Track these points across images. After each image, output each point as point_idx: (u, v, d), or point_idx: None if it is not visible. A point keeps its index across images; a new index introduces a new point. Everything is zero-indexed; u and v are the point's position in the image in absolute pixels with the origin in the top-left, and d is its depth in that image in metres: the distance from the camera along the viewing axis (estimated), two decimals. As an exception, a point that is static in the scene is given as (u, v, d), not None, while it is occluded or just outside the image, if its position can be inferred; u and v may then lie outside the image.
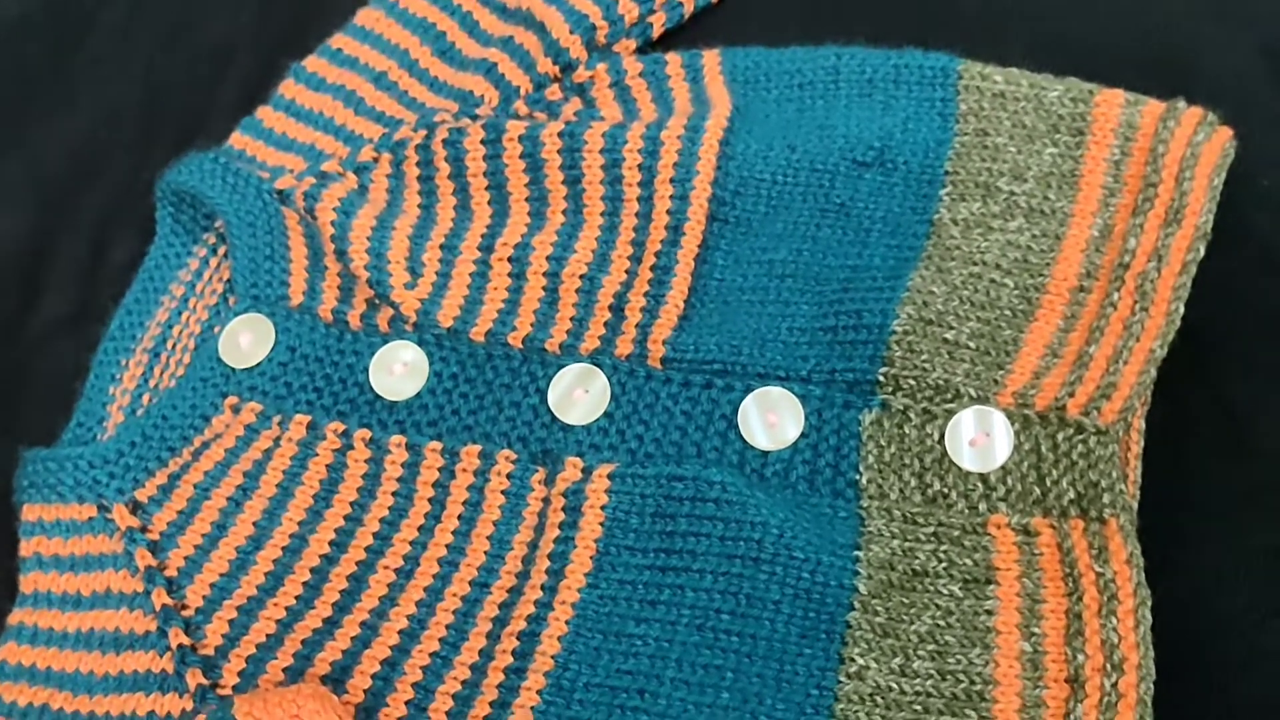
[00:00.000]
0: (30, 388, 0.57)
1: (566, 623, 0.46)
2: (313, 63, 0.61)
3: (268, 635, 0.47)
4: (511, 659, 0.46)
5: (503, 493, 0.50)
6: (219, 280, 0.56)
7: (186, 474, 0.51)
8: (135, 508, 0.50)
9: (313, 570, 0.49)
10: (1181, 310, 0.48)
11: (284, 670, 0.46)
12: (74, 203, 0.61)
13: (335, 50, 0.61)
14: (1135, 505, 0.47)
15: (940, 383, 0.49)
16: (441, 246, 0.55)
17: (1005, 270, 0.51)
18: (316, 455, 0.51)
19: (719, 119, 0.55)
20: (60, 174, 0.62)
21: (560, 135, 0.55)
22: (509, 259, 0.54)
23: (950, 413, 0.48)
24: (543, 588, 0.47)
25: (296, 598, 0.48)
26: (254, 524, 0.50)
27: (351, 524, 0.50)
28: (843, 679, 0.45)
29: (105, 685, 0.47)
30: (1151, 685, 0.42)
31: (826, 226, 0.53)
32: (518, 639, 0.46)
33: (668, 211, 0.53)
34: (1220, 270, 0.50)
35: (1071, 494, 0.46)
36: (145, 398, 0.54)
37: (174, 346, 0.55)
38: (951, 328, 0.50)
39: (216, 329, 0.55)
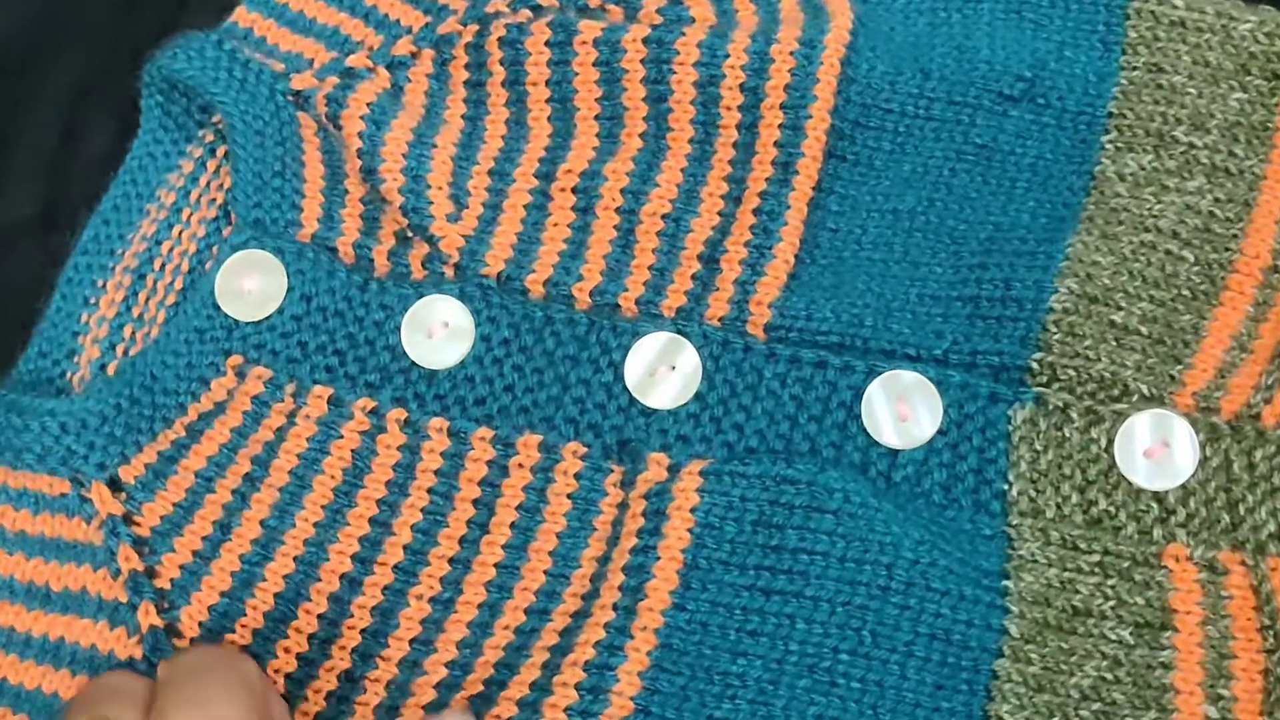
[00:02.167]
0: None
1: (648, 654, 0.38)
2: (336, -71, 0.50)
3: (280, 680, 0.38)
4: (576, 696, 0.37)
5: (569, 497, 0.40)
6: (218, 188, 0.46)
7: (185, 457, 0.41)
8: (117, 487, 0.40)
9: (331, 598, 0.39)
10: (1401, 302, 0.40)
11: None
12: (38, 79, 0.50)
13: (364, -84, 0.50)
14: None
15: (1106, 375, 0.40)
16: (491, 171, 0.45)
17: (1184, 240, 0.42)
18: (340, 438, 0.41)
19: (840, 32, 0.45)
20: (20, 43, 0.51)
21: (645, 42, 0.45)
22: (573, 190, 0.44)
23: (1119, 414, 0.40)
24: (615, 608, 0.38)
25: (311, 637, 0.39)
26: (261, 524, 0.40)
27: (378, 533, 0.40)
28: (987, 743, 0.36)
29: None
30: (1375, 776, 0.35)
31: (964, 172, 0.44)
32: (584, 671, 0.37)
33: (776, 144, 0.44)
34: None
35: (1272, 526, 0.38)
36: (127, 329, 0.44)
37: (163, 268, 0.45)
38: (1120, 308, 0.41)
39: (215, 249, 0.45)
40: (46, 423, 0.40)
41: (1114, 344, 0.41)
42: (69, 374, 0.44)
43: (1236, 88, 0.44)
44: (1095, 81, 0.44)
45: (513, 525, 0.40)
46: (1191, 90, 0.44)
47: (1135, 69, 0.44)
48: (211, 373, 0.42)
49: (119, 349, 0.44)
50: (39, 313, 0.45)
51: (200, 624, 0.39)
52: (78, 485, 0.40)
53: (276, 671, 0.39)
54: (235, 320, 0.43)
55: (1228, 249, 0.42)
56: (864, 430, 0.40)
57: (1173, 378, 0.40)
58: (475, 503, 0.41)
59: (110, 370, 0.44)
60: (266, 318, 0.43)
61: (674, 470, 0.40)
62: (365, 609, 0.39)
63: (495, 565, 0.40)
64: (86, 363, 0.44)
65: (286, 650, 0.39)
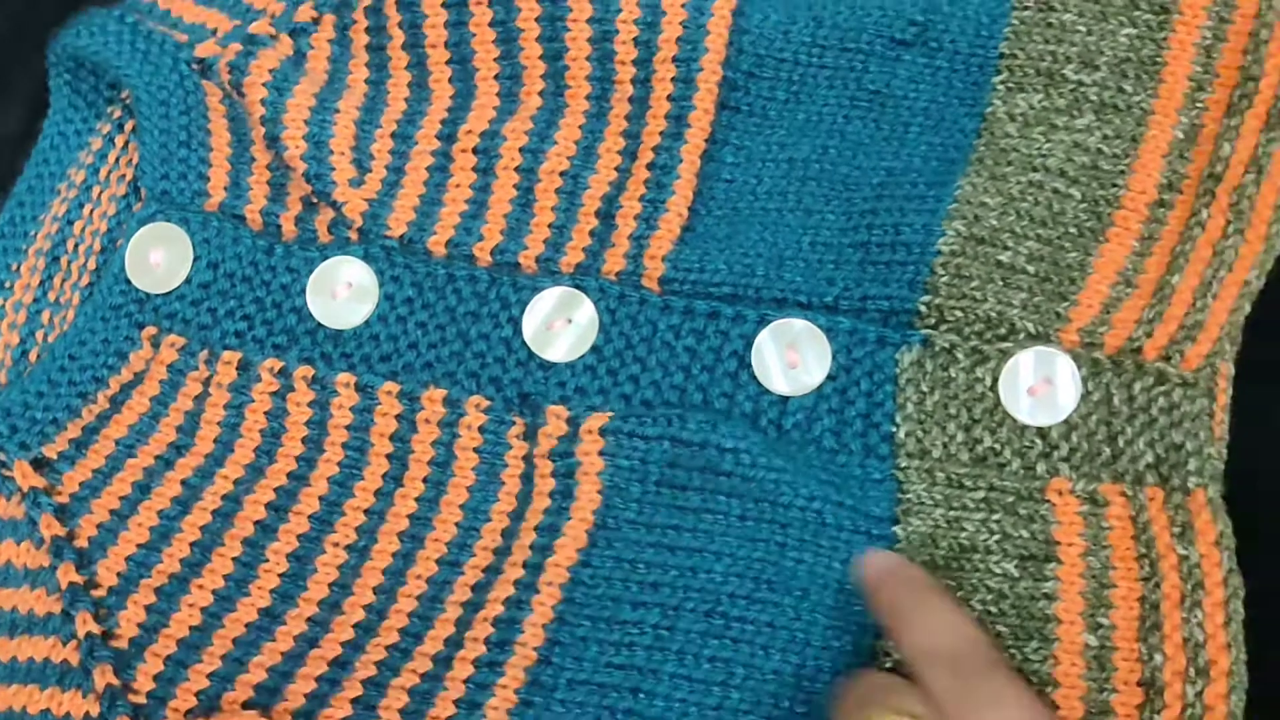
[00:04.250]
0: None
1: (552, 608, 0.39)
2: (236, -104, 0.50)
3: (191, 628, 0.39)
4: (484, 649, 0.39)
5: (476, 450, 0.41)
6: (127, 164, 0.47)
7: (106, 427, 0.42)
8: (40, 465, 0.42)
9: (245, 542, 0.41)
10: (1284, 232, 0.41)
11: (209, 676, 0.38)
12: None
13: (263, -119, 0.51)
14: (1222, 465, 0.40)
15: (993, 315, 0.41)
16: (394, 135, 0.45)
17: (1071, 178, 0.43)
18: (253, 400, 0.42)
19: (731, -17, 0.45)
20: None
21: (539, 0, 0.45)
22: (474, 150, 0.45)
23: (1005, 353, 0.41)
24: (525, 565, 0.39)
25: (226, 578, 0.40)
26: (182, 483, 0.42)
27: (295, 485, 0.42)
28: (876, 677, 0.38)
29: (-5, 672, 0.40)
30: (1244, 695, 0.36)
31: (857, 119, 0.44)
32: (493, 626, 0.39)
33: (669, 97, 0.44)
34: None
35: (1149, 457, 0.39)
36: (45, 314, 0.45)
37: (76, 248, 0.46)
38: (1007, 248, 0.42)
39: (125, 226, 0.46)
40: None
41: (1001, 284, 0.41)
42: None
43: (1126, 23, 0.44)
44: (987, 23, 0.45)
45: (425, 479, 0.42)
46: (1081, 28, 0.44)
47: (1026, 9, 0.45)
48: (128, 345, 0.43)
49: (38, 335, 0.45)
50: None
51: (117, 574, 0.40)
52: None
53: (192, 606, 0.40)
54: (147, 293, 0.44)
55: (1114, 185, 0.43)
56: (755, 379, 0.41)
57: (1058, 315, 0.41)
58: (389, 457, 0.42)
59: (33, 357, 0.45)
60: (176, 287, 0.44)
61: (573, 423, 0.41)
62: (281, 554, 0.41)
63: (408, 516, 0.41)
64: (4, 348, 0.45)
65: (201, 587, 0.40)
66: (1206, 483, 0.38)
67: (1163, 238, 0.42)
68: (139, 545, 0.41)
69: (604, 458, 0.40)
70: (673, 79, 0.44)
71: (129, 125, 0.47)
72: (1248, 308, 0.40)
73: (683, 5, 0.44)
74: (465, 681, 0.38)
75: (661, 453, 0.40)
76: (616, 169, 0.44)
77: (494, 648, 0.38)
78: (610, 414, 0.41)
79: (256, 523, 0.41)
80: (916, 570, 0.38)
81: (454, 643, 0.39)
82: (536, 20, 0.45)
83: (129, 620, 0.39)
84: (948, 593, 0.37)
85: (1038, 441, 0.40)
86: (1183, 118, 0.43)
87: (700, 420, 0.40)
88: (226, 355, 0.43)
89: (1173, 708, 0.36)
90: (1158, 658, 0.37)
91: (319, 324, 0.43)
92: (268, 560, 0.41)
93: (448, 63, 0.46)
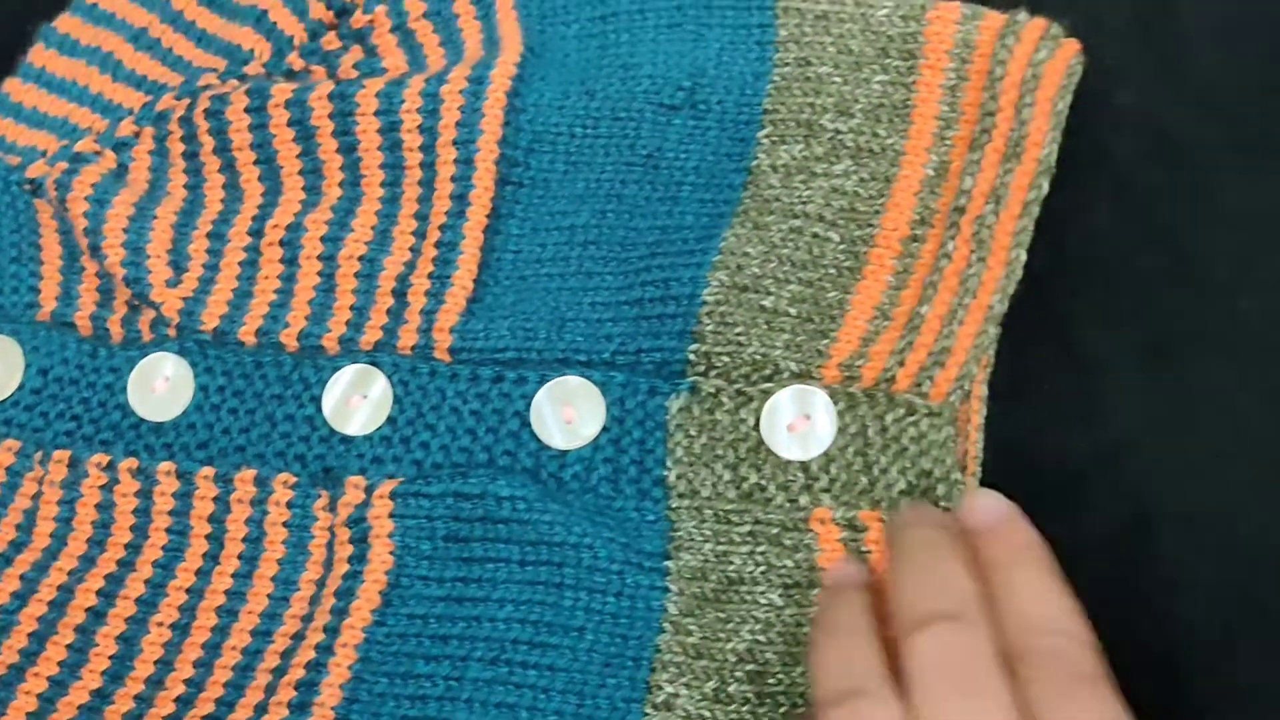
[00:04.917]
0: None
1: (349, 667, 0.41)
2: (64, 22, 0.54)
3: (28, 714, 0.42)
4: (287, 711, 0.41)
5: (284, 525, 0.44)
6: (-30, 285, 0.50)
7: None
8: None
9: (78, 629, 0.43)
10: (1024, 257, 0.43)
11: None
12: None
13: (90, 6, 0.54)
14: (976, 482, 0.42)
15: (757, 358, 0.43)
16: (209, 235, 0.48)
17: (829, 222, 0.45)
18: (82, 496, 0.45)
19: (506, 65, 0.48)
20: None
21: (330, 97, 0.48)
22: (280, 243, 0.48)
23: (766, 393, 0.43)
24: (325, 629, 0.42)
25: (60, 664, 0.43)
26: (20, 578, 0.45)
27: (123, 570, 0.44)
28: (649, 711, 0.40)
29: None
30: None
31: (633, 183, 0.47)
32: (295, 689, 0.41)
33: (452, 178, 0.47)
34: (1071, 204, 0.44)
35: (902, 484, 0.41)
36: None
37: (-77, 366, 0.49)
38: (770, 293, 0.44)
39: (-32, 341, 0.49)
40: None
41: (764, 327, 0.44)
42: None
43: (878, 70, 0.47)
44: (751, 81, 0.47)
45: (240, 556, 0.44)
46: (837, 78, 0.47)
47: (787, 65, 0.47)
48: None
49: None
50: None
51: None
52: None
53: (28, 693, 0.43)
54: None
55: (870, 224, 0.45)
56: (535, 436, 0.44)
57: (820, 352, 0.43)
58: (207, 538, 0.45)
59: None
60: (11, 395, 0.47)
61: (370, 491, 0.44)
62: (110, 638, 0.44)
63: (225, 592, 0.44)
64: None
65: (37, 674, 0.43)
66: (954, 506, 0.40)
67: (916, 271, 0.44)
68: None
69: (394, 519, 0.43)
70: (454, 160, 0.47)
71: (-32, 247, 0.51)
72: (993, 331, 0.43)
73: (460, 91, 0.47)
74: (269, 745, 0.41)
75: (446, 508, 0.43)
76: (410, 249, 0.47)
77: (295, 710, 0.41)
78: (402, 479, 0.44)
79: (88, 609, 0.44)
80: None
81: (262, 708, 0.41)
82: (329, 117, 0.48)
83: None
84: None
85: (800, 475, 0.42)
86: (933, 156, 0.45)
87: (481, 474, 0.43)
88: (58, 454, 0.46)
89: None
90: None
91: (140, 418, 0.46)
92: (98, 645, 0.44)
93: (254, 163, 0.49)
